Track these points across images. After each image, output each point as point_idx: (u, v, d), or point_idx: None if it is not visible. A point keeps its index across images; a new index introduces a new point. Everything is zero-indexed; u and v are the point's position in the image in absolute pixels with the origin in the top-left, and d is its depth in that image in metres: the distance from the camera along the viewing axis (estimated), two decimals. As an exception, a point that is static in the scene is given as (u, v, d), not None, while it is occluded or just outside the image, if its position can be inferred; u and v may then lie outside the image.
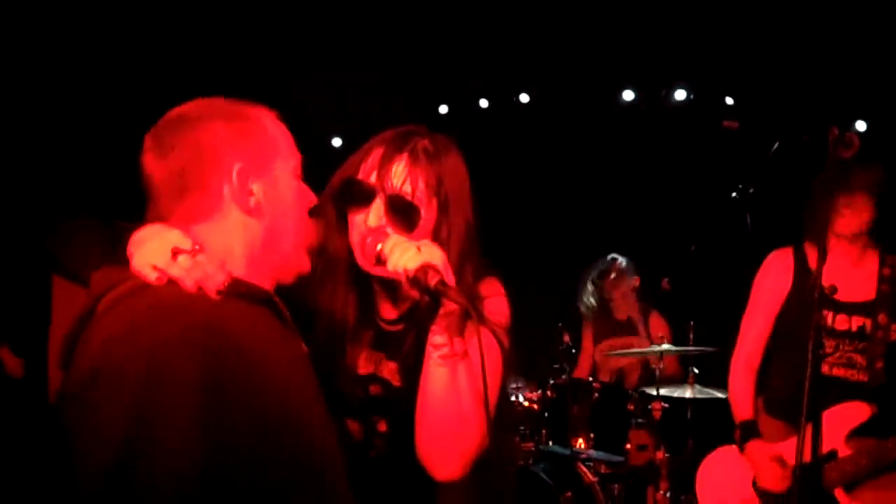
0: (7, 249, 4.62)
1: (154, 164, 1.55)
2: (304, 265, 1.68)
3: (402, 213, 1.86)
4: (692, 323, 4.90)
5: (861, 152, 2.99)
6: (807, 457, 2.60)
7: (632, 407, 4.66)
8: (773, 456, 3.14)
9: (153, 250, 1.48)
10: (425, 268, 1.71)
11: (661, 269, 5.40)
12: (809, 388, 2.47)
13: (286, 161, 1.63)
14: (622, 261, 5.53)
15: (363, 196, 1.89)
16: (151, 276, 1.45)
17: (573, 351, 4.91)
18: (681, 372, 5.02)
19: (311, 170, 2.07)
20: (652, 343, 5.08)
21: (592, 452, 4.62)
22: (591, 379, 5.06)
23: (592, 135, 6.65)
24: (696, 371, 4.70)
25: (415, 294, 1.83)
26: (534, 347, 5.00)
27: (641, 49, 6.04)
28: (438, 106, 6.73)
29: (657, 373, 4.65)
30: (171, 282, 1.45)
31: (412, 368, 1.90)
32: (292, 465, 1.40)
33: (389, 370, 2.02)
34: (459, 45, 6.01)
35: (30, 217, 4.61)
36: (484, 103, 6.74)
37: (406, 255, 1.73)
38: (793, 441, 2.92)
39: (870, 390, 3.08)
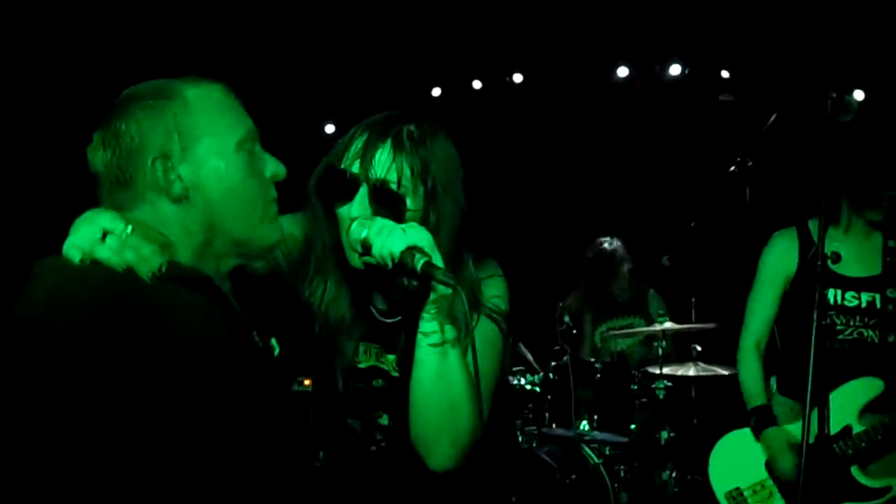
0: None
1: (91, 158, 1.54)
2: (266, 237, 1.61)
3: (387, 203, 1.80)
4: (693, 300, 4.86)
5: (859, 119, 2.95)
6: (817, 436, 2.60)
7: (635, 387, 4.63)
8: (789, 442, 3.11)
9: (82, 233, 1.45)
10: (411, 250, 1.66)
11: (661, 247, 5.35)
12: (814, 366, 2.43)
13: (220, 136, 1.54)
14: (615, 244, 5.48)
15: (346, 186, 1.83)
16: (75, 258, 1.42)
17: (574, 332, 4.86)
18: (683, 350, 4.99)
19: (304, 157, 2.02)
20: (653, 322, 5.04)
21: (596, 434, 4.59)
22: (593, 360, 5.02)
23: (587, 113, 6.61)
24: (699, 348, 4.67)
25: (404, 280, 1.78)
26: (534, 329, 4.97)
27: (635, 25, 5.98)
28: (431, 88, 6.67)
29: (659, 352, 4.61)
30: (95, 262, 1.42)
31: (410, 360, 1.83)
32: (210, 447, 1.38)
33: (388, 362, 1.98)
34: (451, 27, 5.96)
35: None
36: (477, 84, 6.68)
37: (391, 238, 1.69)
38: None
39: (882, 365, 3.03)
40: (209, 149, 1.53)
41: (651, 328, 4.81)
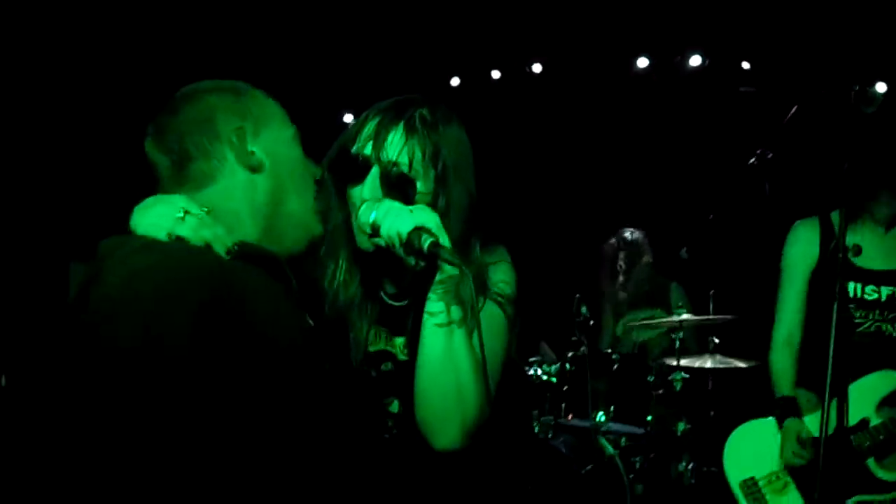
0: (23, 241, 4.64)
1: (155, 147, 1.61)
2: (315, 227, 1.72)
3: (398, 185, 1.82)
4: (712, 292, 4.85)
5: (882, 111, 2.93)
6: (835, 428, 2.65)
7: (652, 378, 4.63)
8: (799, 434, 3.12)
9: (161, 213, 1.53)
10: (419, 231, 1.69)
11: (680, 239, 5.34)
12: (833, 360, 2.43)
13: (282, 128, 1.67)
14: (637, 235, 5.48)
15: (358, 168, 1.85)
16: (161, 234, 1.49)
17: (591, 323, 4.86)
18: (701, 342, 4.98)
19: (324, 146, 2.03)
20: (672, 313, 5.03)
21: (612, 425, 4.59)
22: (610, 351, 5.02)
23: (607, 104, 6.58)
24: (717, 341, 4.65)
25: (411, 261, 1.78)
26: (551, 320, 4.97)
27: (655, 16, 5.95)
28: (450, 78, 6.66)
29: (677, 343, 4.60)
30: (180, 239, 1.50)
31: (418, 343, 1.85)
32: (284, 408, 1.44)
33: (396, 346, 1.99)
34: (470, 16, 5.95)
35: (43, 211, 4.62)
36: (496, 74, 6.67)
37: (398, 219, 1.72)
38: (817, 414, 2.95)
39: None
40: (276, 134, 1.66)
41: (668, 319, 4.80)
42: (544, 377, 4.74)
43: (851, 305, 3.10)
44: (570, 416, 4.75)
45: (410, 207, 1.74)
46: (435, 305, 1.76)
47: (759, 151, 4.24)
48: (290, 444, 1.45)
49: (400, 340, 1.98)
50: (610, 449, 4.43)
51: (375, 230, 1.76)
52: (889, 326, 3.08)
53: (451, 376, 1.75)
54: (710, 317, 4.67)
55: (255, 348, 1.41)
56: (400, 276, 1.96)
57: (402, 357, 1.98)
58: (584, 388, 4.66)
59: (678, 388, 4.51)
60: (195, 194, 1.58)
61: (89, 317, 1.39)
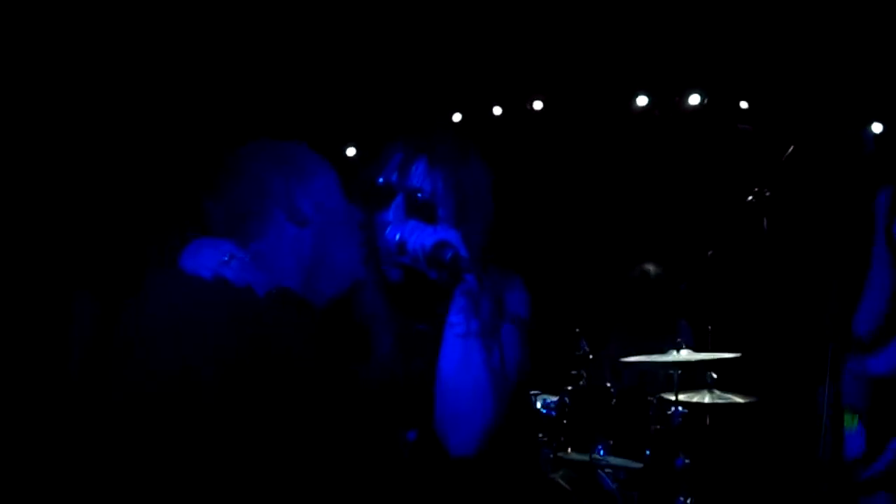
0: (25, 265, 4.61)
1: (213, 208, 1.74)
2: (359, 272, 1.84)
3: (420, 210, 1.95)
4: (710, 328, 4.88)
5: (878, 151, 3.00)
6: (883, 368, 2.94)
7: (651, 413, 4.64)
8: (858, 370, 3.23)
9: (209, 255, 1.64)
10: (441, 244, 1.81)
11: (679, 275, 5.38)
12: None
13: (327, 178, 1.80)
14: (656, 270, 5.52)
15: (383, 195, 1.97)
16: (206, 274, 1.60)
17: (591, 357, 4.89)
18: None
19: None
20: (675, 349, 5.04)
21: (611, 459, 4.60)
22: (609, 385, 5.03)
23: (607, 141, 6.65)
24: (715, 376, 4.67)
25: (434, 275, 1.89)
26: (551, 353, 4.99)
27: (654, 54, 6.04)
28: (452, 114, 6.73)
29: (675, 378, 4.63)
30: (224, 280, 1.61)
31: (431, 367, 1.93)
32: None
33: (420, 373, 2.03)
34: (471, 53, 6.03)
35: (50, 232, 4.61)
36: (497, 111, 6.74)
37: (423, 234, 1.85)
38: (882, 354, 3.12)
39: None
40: (321, 186, 1.77)
41: (669, 356, 4.80)
42: (543, 410, 4.76)
43: None
44: (569, 450, 4.76)
45: (433, 226, 1.88)
46: (455, 316, 1.85)
47: (756, 189, 4.29)
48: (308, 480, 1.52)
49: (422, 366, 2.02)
50: (609, 483, 4.44)
51: (401, 248, 1.88)
52: None
53: (468, 385, 1.83)
54: (710, 354, 4.69)
55: (281, 387, 1.51)
56: (422, 299, 2.02)
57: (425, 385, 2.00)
58: (583, 421, 4.68)
59: (676, 423, 4.53)
60: (244, 243, 1.69)
61: (130, 344, 1.51)
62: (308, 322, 1.70)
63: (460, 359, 1.84)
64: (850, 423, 3.22)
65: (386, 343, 2.05)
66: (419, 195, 1.94)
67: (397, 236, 1.88)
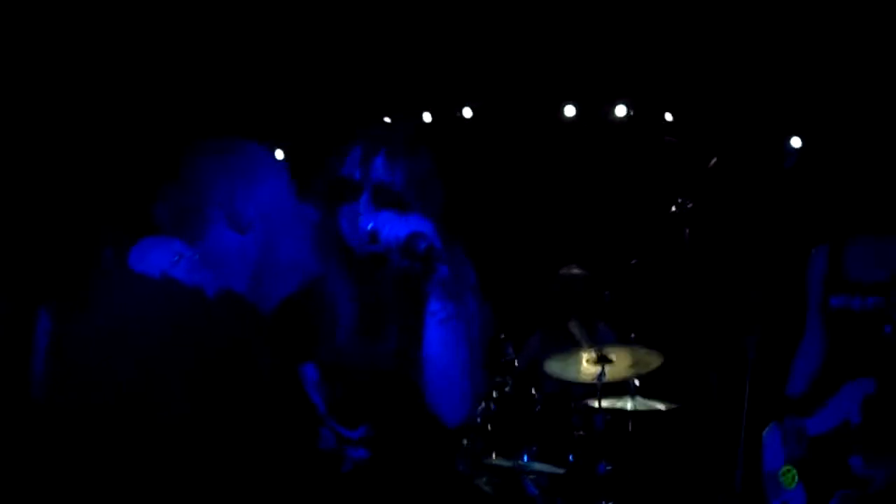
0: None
1: (160, 208, 1.76)
2: (311, 266, 1.89)
3: (386, 201, 2.04)
4: (633, 335, 4.95)
5: (798, 164, 3.12)
6: (823, 427, 3.26)
7: (574, 419, 4.69)
8: (797, 429, 3.38)
9: (158, 254, 1.69)
10: (416, 235, 1.89)
11: (603, 283, 5.45)
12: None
13: (275, 180, 1.83)
14: (581, 275, 5.58)
15: (348, 188, 2.06)
16: (156, 273, 1.64)
17: (516, 363, 4.92)
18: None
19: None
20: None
21: (535, 465, 4.63)
22: (534, 391, 5.07)
23: (535, 150, 6.70)
24: (637, 383, 4.74)
25: (406, 263, 1.98)
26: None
27: (582, 66, 6.11)
28: (381, 119, 6.71)
29: (598, 385, 4.68)
30: (173, 280, 1.64)
31: (403, 350, 2.07)
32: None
33: (380, 355, 2.13)
34: (401, 59, 6.03)
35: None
36: (427, 117, 6.75)
37: (398, 225, 1.94)
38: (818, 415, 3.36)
39: (888, 364, 3.24)
40: (270, 189, 1.81)
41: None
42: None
43: (838, 316, 3.39)
44: (493, 456, 4.78)
45: (406, 217, 1.97)
46: (434, 304, 1.96)
47: (679, 200, 4.38)
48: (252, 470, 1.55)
49: (384, 349, 2.13)
50: (532, 489, 4.47)
51: (374, 237, 1.97)
52: (877, 335, 3.28)
53: (456, 364, 1.99)
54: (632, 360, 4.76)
55: (228, 389, 1.54)
56: (384, 285, 2.12)
57: (385, 367, 2.13)
58: (508, 428, 4.70)
59: (599, 429, 4.58)
60: (196, 241, 1.72)
61: (83, 348, 1.53)
62: (255, 326, 1.74)
63: (446, 342, 1.97)
64: (791, 482, 3.34)
65: (346, 331, 2.10)
66: (383, 186, 2.05)
67: (370, 226, 1.97)
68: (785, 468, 3.42)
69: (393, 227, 1.94)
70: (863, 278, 3.35)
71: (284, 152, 6.56)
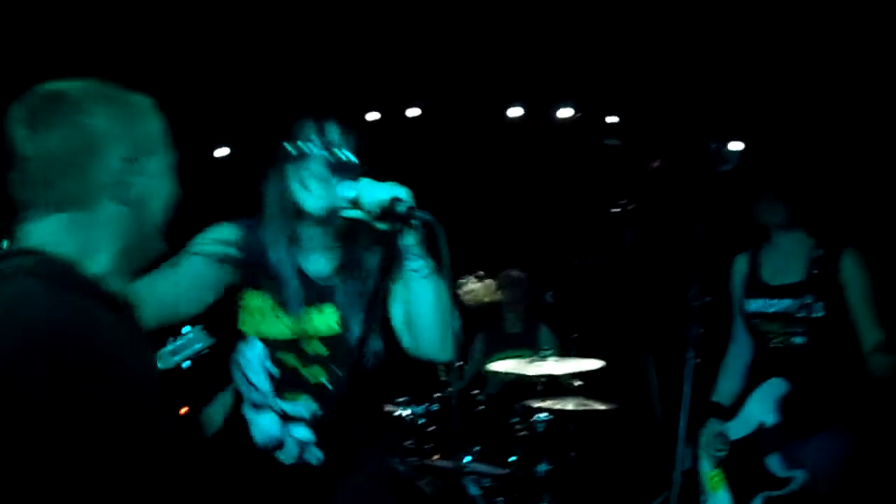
0: None
1: (27, 139, 1.48)
2: (161, 248, 1.70)
3: (347, 170, 2.20)
4: (575, 336, 4.99)
5: (738, 168, 3.15)
6: (742, 430, 3.34)
7: (516, 419, 4.70)
8: (718, 432, 3.46)
9: None
10: (395, 199, 2.03)
11: (546, 283, 5.48)
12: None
13: (164, 157, 1.61)
14: (518, 276, 5.61)
15: (305, 158, 2.24)
16: None
17: (459, 364, 4.93)
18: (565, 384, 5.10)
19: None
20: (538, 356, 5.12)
21: (477, 466, 4.64)
22: (476, 392, 5.08)
23: (481, 150, 6.72)
24: (579, 383, 4.77)
25: (386, 226, 2.12)
26: (419, 361, 4.99)
27: (529, 67, 6.14)
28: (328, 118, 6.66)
29: (539, 386, 4.71)
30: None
31: (348, 317, 2.28)
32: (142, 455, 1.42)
33: (326, 321, 2.32)
34: (348, 58, 6.00)
35: None
36: (373, 116, 6.73)
37: (379, 191, 2.07)
38: (738, 418, 3.42)
39: (795, 366, 3.30)
40: (158, 165, 1.60)
41: (535, 367, 4.87)
42: (410, 417, 4.76)
43: (755, 320, 3.45)
44: (435, 457, 4.77)
45: (384, 184, 2.10)
46: (416, 263, 2.16)
47: (621, 202, 4.41)
48: (149, 479, 1.43)
49: (330, 312, 2.32)
50: (474, 490, 4.47)
51: (355, 203, 2.10)
52: (789, 336, 3.32)
53: (442, 310, 2.21)
54: (575, 361, 4.79)
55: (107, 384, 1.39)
56: (331, 254, 2.35)
57: (335, 329, 2.32)
58: (450, 428, 4.70)
59: (541, 429, 4.60)
60: (55, 213, 1.49)
61: None
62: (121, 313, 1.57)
63: (433, 295, 2.19)
64: (717, 486, 3.40)
65: (297, 299, 2.28)
66: (338, 154, 2.24)
67: (353, 193, 2.10)
68: (712, 472, 3.48)
69: (375, 193, 2.06)
70: (775, 282, 3.42)
71: (230, 152, 6.53)
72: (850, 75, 5.26)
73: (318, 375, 2.32)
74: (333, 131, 2.27)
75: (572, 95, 6.46)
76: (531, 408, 4.70)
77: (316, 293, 2.31)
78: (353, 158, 2.25)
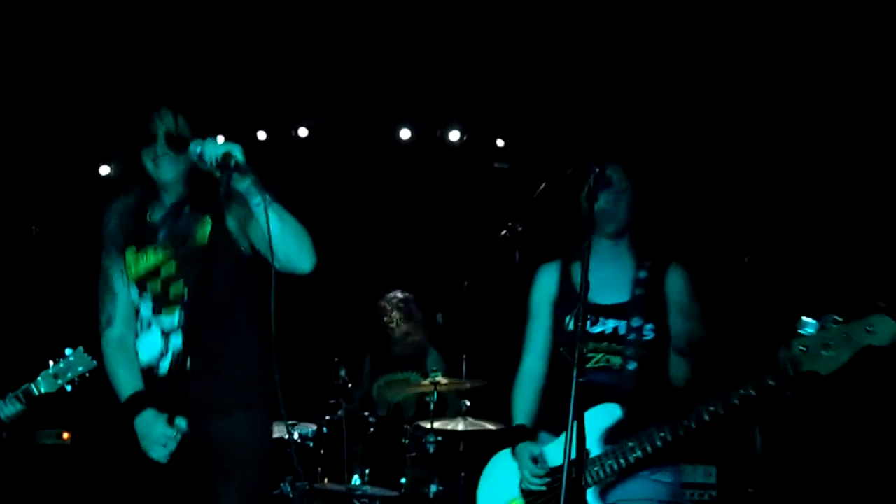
0: None
1: None
2: None
3: (175, 141, 2.94)
4: (464, 356, 5.03)
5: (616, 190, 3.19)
6: (563, 457, 2.64)
7: (406, 441, 4.69)
8: (535, 456, 3.19)
9: None
10: (228, 154, 2.66)
11: (436, 304, 5.51)
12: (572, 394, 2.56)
13: None
14: (403, 298, 5.60)
15: (149, 136, 2.98)
16: None
17: (349, 386, 4.90)
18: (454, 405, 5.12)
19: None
20: (428, 376, 5.14)
21: (368, 489, 4.62)
22: (366, 414, 5.06)
23: (371, 171, 6.73)
24: (468, 404, 4.81)
25: (219, 174, 2.70)
26: (309, 382, 4.95)
27: (418, 89, 6.19)
28: (216, 136, 6.56)
29: (430, 406, 4.72)
30: None
31: (181, 238, 2.95)
32: None
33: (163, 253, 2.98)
34: (237, 76, 5.94)
35: None
36: (262, 135, 6.66)
37: (217, 148, 2.68)
38: (556, 443, 3.15)
39: (624, 392, 3.12)
40: None
41: (425, 383, 4.89)
42: (300, 441, 4.71)
43: (570, 339, 3.02)
44: (325, 480, 4.73)
45: (223, 143, 2.69)
46: (255, 198, 2.74)
47: (510, 224, 4.48)
48: None
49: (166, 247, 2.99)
50: (364, 512, 4.46)
51: (200, 157, 2.70)
52: (616, 359, 3.16)
53: (292, 227, 2.82)
54: (461, 381, 4.83)
55: None
56: (169, 201, 3.03)
57: (201, 242, 2.93)
58: (341, 451, 4.67)
59: (431, 450, 4.61)
60: None
61: None
62: None
63: (278, 217, 2.75)
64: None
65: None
66: (174, 131, 2.95)
67: (199, 149, 2.70)
68: (512, 499, 3.27)
69: (214, 149, 2.67)
70: (601, 301, 3.18)
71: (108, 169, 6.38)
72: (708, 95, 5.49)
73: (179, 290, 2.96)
74: (169, 115, 2.99)
75: (461, 118, 6.53)
76: (422, 429, 4.71)
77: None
78: (186, 134, 2.94)
